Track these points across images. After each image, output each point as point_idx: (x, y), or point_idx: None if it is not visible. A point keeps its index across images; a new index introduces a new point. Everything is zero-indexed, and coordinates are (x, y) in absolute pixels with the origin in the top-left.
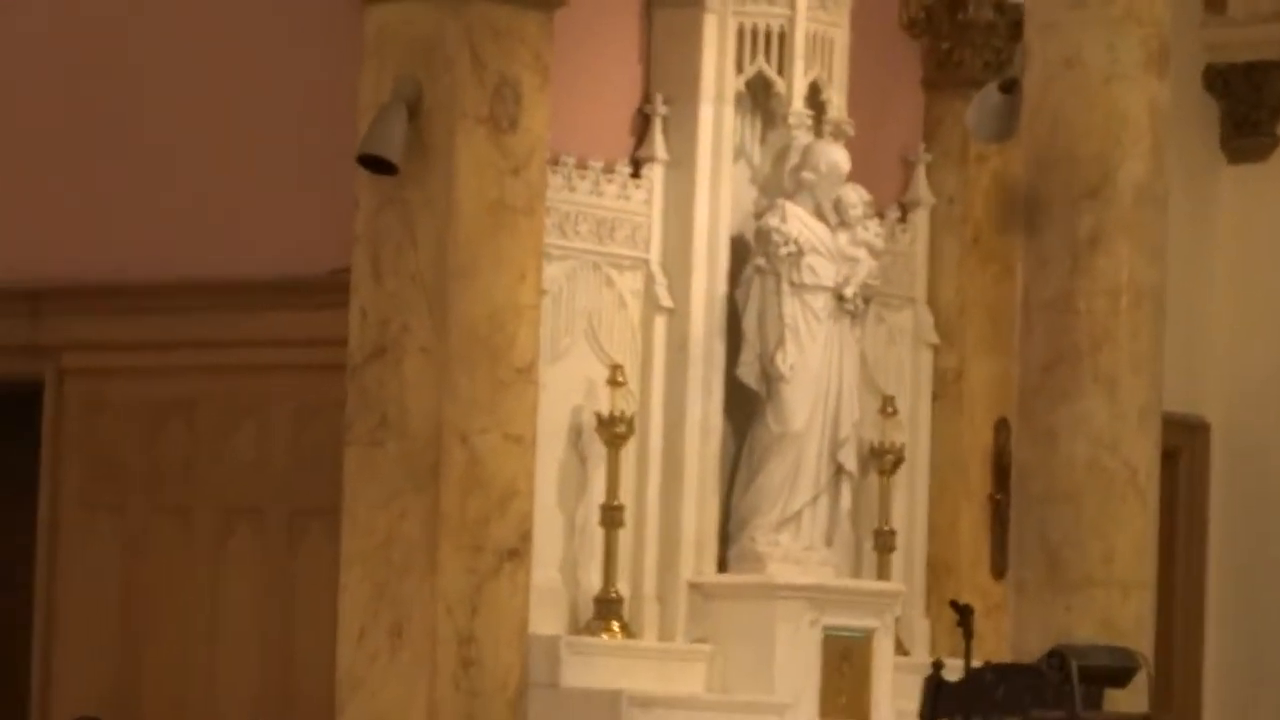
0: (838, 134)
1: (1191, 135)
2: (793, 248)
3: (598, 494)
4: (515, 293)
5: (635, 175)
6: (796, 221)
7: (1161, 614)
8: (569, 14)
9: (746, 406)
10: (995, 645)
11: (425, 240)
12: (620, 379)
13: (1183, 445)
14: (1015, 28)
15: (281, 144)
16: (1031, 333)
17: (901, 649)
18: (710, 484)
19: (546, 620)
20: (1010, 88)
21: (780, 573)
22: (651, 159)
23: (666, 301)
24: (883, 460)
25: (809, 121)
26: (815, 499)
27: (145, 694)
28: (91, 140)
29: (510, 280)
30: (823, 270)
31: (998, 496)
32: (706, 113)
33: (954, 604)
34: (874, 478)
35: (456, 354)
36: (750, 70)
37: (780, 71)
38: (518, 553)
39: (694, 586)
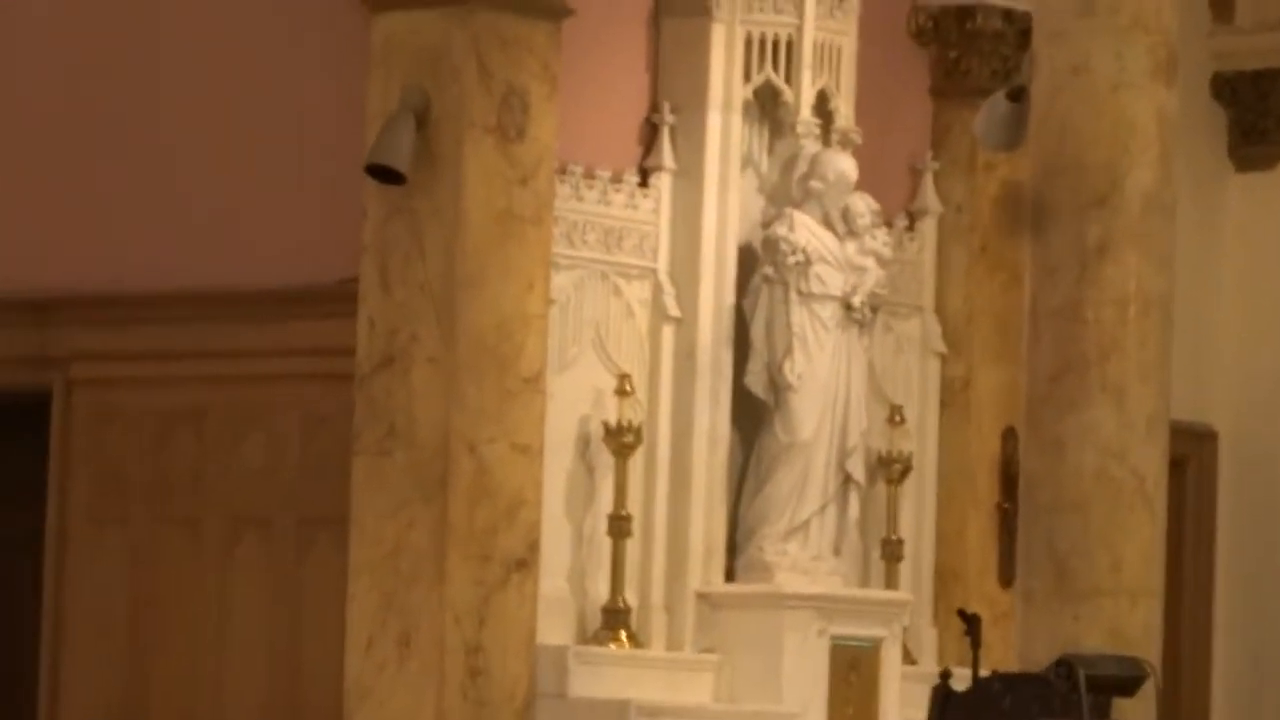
0: (845, 143)
1: (1199, 143)
2: (800, 257)
3: (605, 504)
4: (523, 302)
5: (643, 184)
6: (804, 230)
7: (1169, 623)
8: (576, 23)
9: (754, 416)
10: (1003, 654)
11: (433, 250)
12: (628, 388)
13: (1191, 454)
14: (1023, 36)
15: (289, 154)
16: (1039, 341)
17: (909, 658)
18: (718, 493)
19: (554, 630)
20: (1018, 96)
21: (788, 582)
22: (659, 168)
23: (674, 311)
24: (890, 469)
25: (817, 130)
26: (823, 508)
27: (153, 704)
28: (99, 150)
29: (518, 290)
30: (830, 279)
31: (1005, 505)
32: (714, 122)
33: (961, 613)
34: (882, 487)
35: (464, 363)
36: (758, 79)
37: (788, 80)
38: (525, 563)
39: (702, 596)
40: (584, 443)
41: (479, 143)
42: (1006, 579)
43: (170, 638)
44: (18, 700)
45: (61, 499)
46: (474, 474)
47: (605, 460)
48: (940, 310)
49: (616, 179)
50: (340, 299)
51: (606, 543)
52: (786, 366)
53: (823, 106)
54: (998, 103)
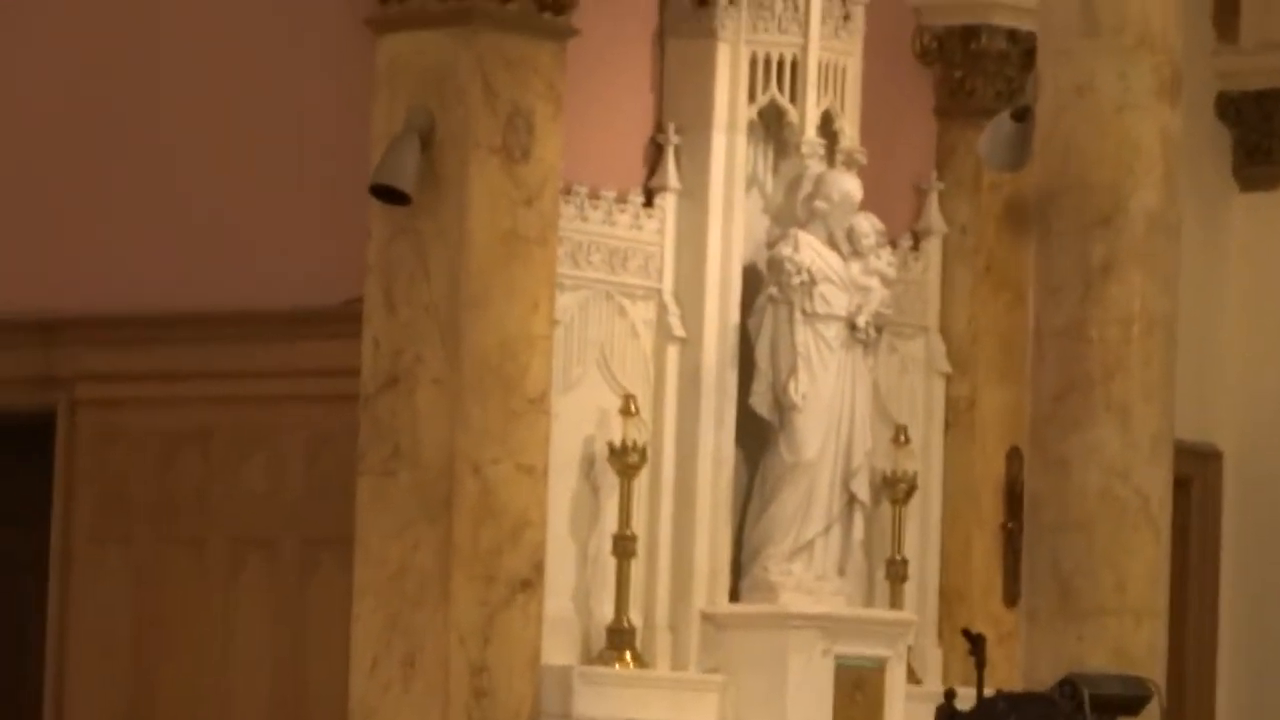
0: (850, 163)
1: (1203, 163)
2: (805, 277)
3: (610, 524)
4: (528, 323)
5: (648, 205)
6: (809, 250)
7: (1174, 643)
8: (581, 43)
9: (759, 436)
10: (1007, 674)
11: (438, 270)
12: (633, 409)
13: (1195, 474)
14: (1027, 56)
15: (294, 174)
16: (1043, 361)
17: (914, 678)
18: (723, 514)
19: (559, 650)
20: (1023, 116)
21: (793, 602)
22: (664, 188)
23: (679, 331)
24: (895, 489)
25: (821, 150)
26: (828, 528)
27: None
28: (105, 172)
29: (523, 310)
30: (835, 299)
31: (1010, 525)
32: (719, 142)
33: (966, 633)
34: (886, 507)
35: (469, 384)
36: (763, 99)
37: (793, 100)
38: (530, 583)
39: (706, 616)
40: (589, 463)
41: (484, 163)
42: (1011, 598)
43: (174, 658)
44: (22, 719)
45: (66, 519)
46: (479, 494)
47: (610, 480)
48: (945, 330)
49: (621, 199)
50: (345, 320)
51: (611, 563)
52: (791, 386)
53: (827, 127)
54: (1002, 123)
